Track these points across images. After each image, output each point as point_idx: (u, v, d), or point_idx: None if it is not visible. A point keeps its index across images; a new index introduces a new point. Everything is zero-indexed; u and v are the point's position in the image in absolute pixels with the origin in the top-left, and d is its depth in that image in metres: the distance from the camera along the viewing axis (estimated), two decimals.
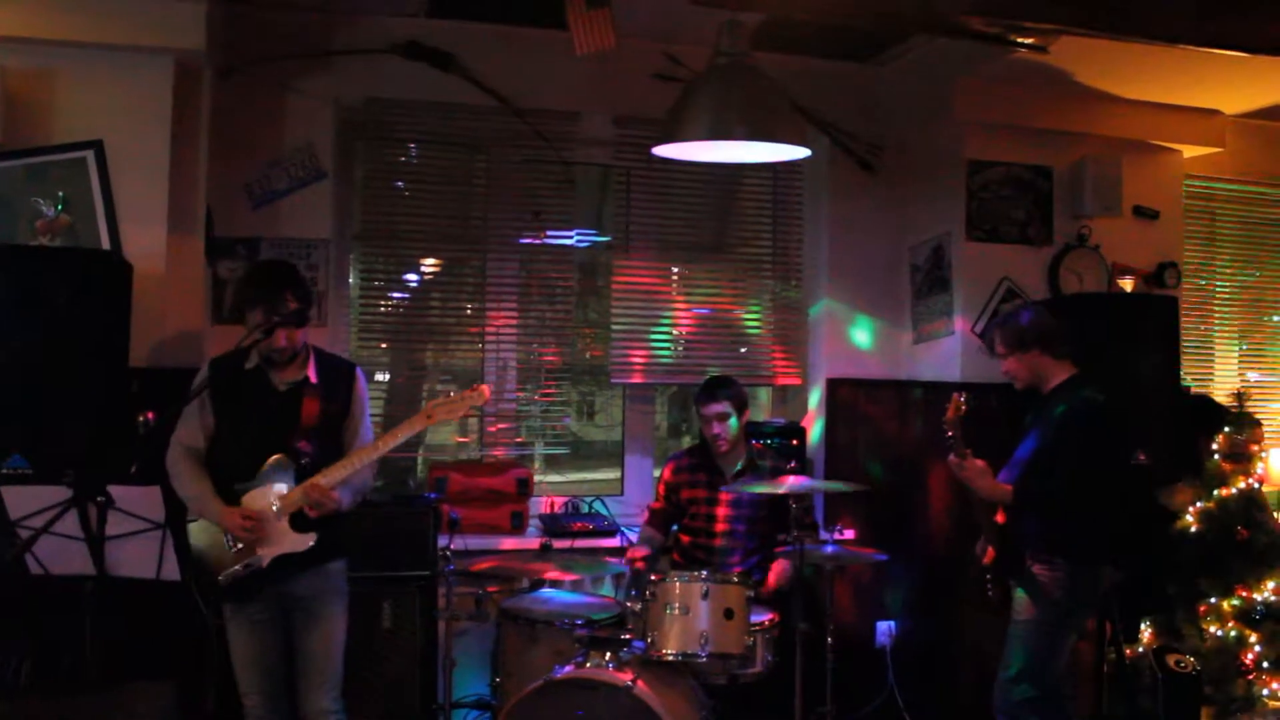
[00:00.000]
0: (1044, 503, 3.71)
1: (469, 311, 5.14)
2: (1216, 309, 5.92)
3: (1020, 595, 3.81)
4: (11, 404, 3.49)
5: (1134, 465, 4.20)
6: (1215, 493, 4.82)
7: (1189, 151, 5.35)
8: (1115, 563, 3.83)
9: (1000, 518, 3.86)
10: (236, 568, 3.41)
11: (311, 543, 3.45)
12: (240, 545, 3.43)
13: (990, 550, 3.89)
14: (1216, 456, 4.91)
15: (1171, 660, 4.49)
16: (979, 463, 3.78)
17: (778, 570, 4.24)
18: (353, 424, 3.65)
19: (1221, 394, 5.63)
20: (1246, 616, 4.66)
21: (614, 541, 4.82)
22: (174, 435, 3.53)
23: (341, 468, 3.44)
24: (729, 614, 3.55)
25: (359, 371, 3.71)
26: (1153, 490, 4.79)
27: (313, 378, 3.57)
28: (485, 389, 3.61)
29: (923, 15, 4.10)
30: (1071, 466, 3.66)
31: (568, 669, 3.45)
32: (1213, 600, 4.71)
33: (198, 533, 3.46)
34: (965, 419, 3.74)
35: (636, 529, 4.87)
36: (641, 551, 4.37)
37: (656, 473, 5.03)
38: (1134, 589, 4.51)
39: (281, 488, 3.45)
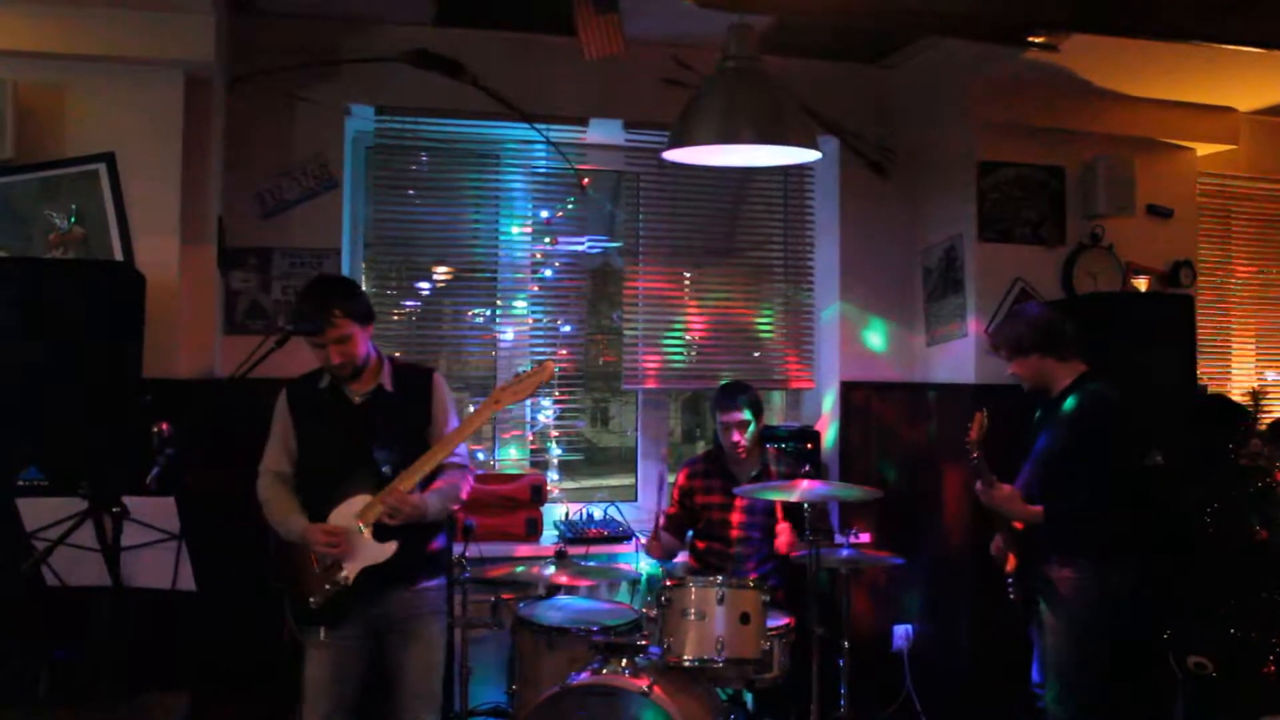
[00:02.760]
0: (1072, 520, 3.66)
1: (481, 319, 5.14)
2: (1233, 308, 5.88)
3: (1045, 608, 3.75)
4: (26, 416, 3.51)
5: (1150, 465, 4.16)
6: (1233, 493, 4.78)
7: (1203, 149, 5.33)
8: (1138, 561, 3.76)
9: (1018, 523, 3.82)
10: (327, 586, 3.39)
11: (392, 552, 3.40)
12: (327, 564, 3.40)
13: (1011, 558, 3.84)
14: (1234, 456, 4.87)
15: (1191, 662, 4.45)
16: (1006, 488, 3.74)
17: (786, 537, 4.23)
18: (436, 430, 3.59)
19: (1238, 393, 5.60)
20: (1266, 617, 4.62)
21: (629, 547, 4.81)
22: (262, 463, 3.56)
23: (416, 470, 3.39)
24: (745, 619, 3.54)
25: (437, 376, 3.67)
26: (1169, 491, 4.75)
27: (388, 386, 3.56)
28: (550, 364, 3.59)
29: (931, 15, 4.08)
30: (1087, 466, 3.62)
31: (584, 675, 3.44)
32: (1232, 601, 4.67)
33: (297, 554, 3.46)
34: (988, 433, 3.70)
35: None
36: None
37: (671, 478, 5.02)
38: (1152, 590, 4.48)
39: (363, 500, 3.41)
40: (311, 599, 3.41)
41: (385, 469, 3.46)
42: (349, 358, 3.45)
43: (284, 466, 3.56)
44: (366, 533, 3.40)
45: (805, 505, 3.84)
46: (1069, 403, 3.75)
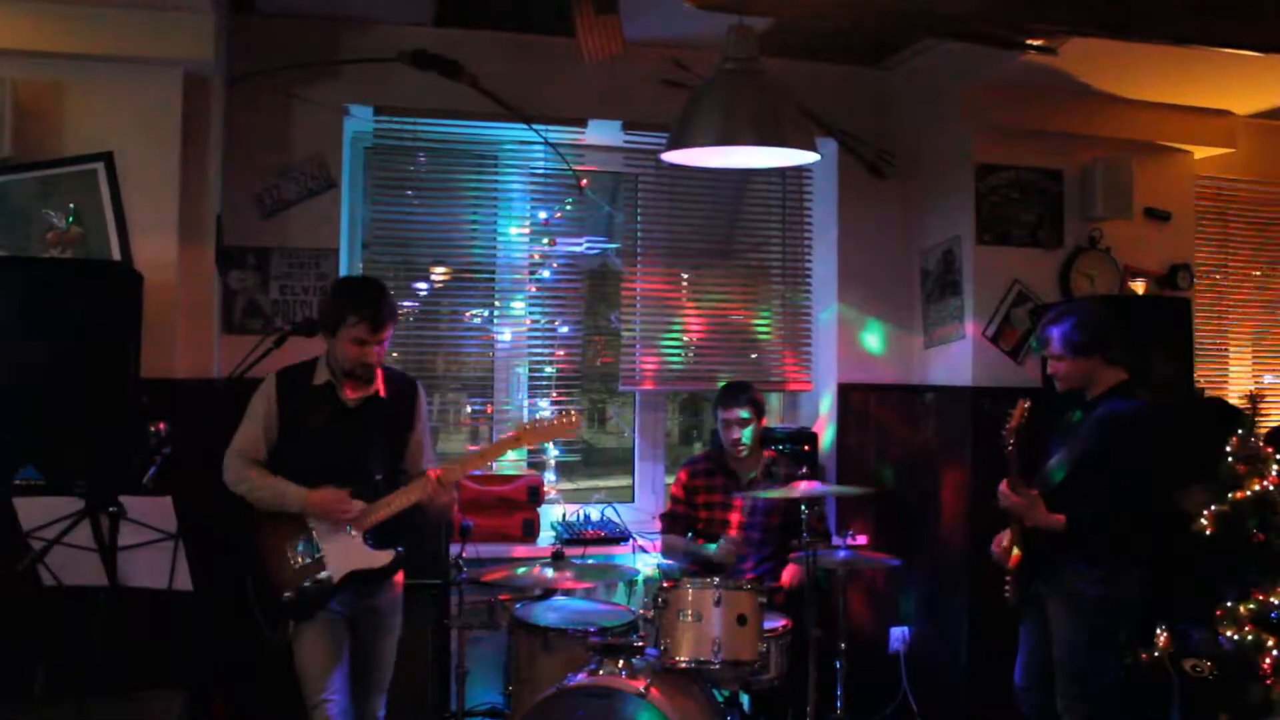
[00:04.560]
0: (1096, 526, 3.62)
1: (479, 320, 5.14)
2: (1230, 311, 5.89)
3: (1054, 613, 3.72)
4: (24, 415, 3.50)
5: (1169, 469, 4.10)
6: (1229, 496, 4.78)
7: (1200, 152, 5.33)
8: (1148, 565, 3.72)
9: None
10: (305, 583, 3.40)
11: (389, 559, 3.46)
12: (307, 560, 3.41)
13: (1016, 553, 3.80)
14: (1230, 459, 4.87)
15: (1188, 665, 4.45)
16: (1033, 493, 3.68)
17: (791, 570, 4.26)
18: (416, 441, 3.63)
19: (1235, 396, 5.60)
20: (1263, 620, 4.61)
21: (626, 549, 4.82)
22: (232, 446, 3.49)
23: (465, 464, 3.61)
24: (742, 620, 3.54)
25: (420, 386, 3.71)
26: (1167, 494, 4.76)
27: (382, 392, 3.57)
28: (578, 418, 3.72)
29: (929, 18, 4.09)
30: (1116, 474, 3.58)
31: (581, 677, 3.44)
32: (1229, 604, 4.68)
33: (260, 548, 3.45)
34: (1025, 428, 3.64)
35: (649, 535, 4.86)
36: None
37: (669, 479, 5.03)
38: (1149, 593, 4.48)
39: (356, 505, 3.44)
40: (286, 594, 3.41)
41: (378, 476, 3.48)
42: (378, 361, 3.52)
43: (261, 453, 3.50)
44: (358, 538, 3.42)
45: (803, 507, 3.84)
46: (1105, 409, 3.69)
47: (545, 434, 3.71)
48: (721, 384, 4.69)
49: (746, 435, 4.42)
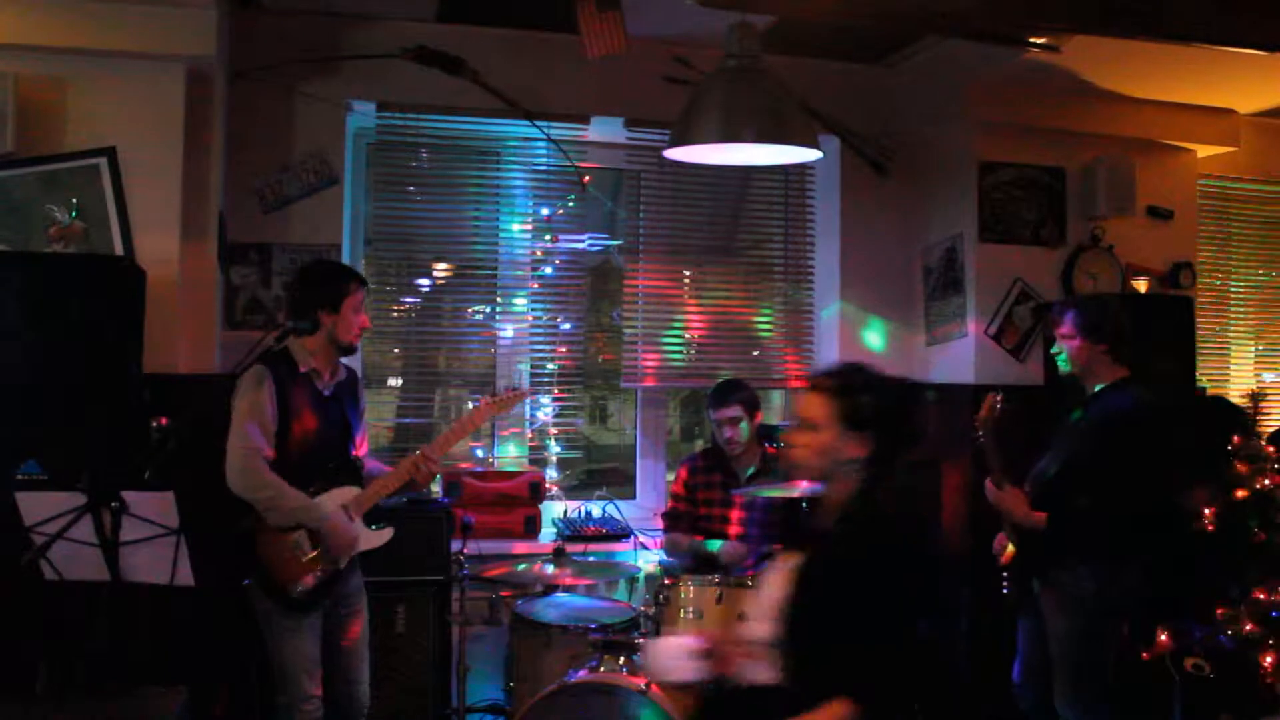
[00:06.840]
0: (1083, 522, 3.62)
1: (481, 316, 5.14)
2: (1232, 309, 5.88)
3: (1048, 611, 3.73)
4: (26, 410, 3.51)
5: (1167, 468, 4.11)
6: (1231, 495, 4.78)
7: (1203, 151, 5.33)
8: (1146, 563, 3.73)
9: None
10: (318, 573, 3.44)
11: (389, 537, 3.61)
12: (314, 553, 3.45)
13: (1010, 550, 3.82)
14: (1232, 458, 4.87)
15: (1189, 664, 4.45)
16: (1014, 491, 3.71)
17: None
18: (362, 426, 3.74)
19: (1237, 395, 5.60)
20: (1264, 619, 4.62)
21: (627, 545, 4.82)
22: (246, 444, 3.41)
23: (444, 442, 3.72)
24: (743, 618, 3.54)
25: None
26: (1165, 491, 4.75)
27: (345, 380, 3.70)
28: (526, 390, 4.00)
29: (932, 16, 4.08)
30: (1110, 469, 3.59)
31: (582, 673, 3.45)
32: (1229, 603, 4.68)
33: (263, 545, 3.47)
34: (999, 420, 3.68)
35: (650, 532, 4.86)
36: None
37: (670, 476, 5.02)
38: (1151, 591, 4.48)
39: (350, 491, 3.55)
40: (299, 588, 3.43)
41: (356, 461, 3.64)
42: None
43: (271, 451, 3.47)
44: (358, 521, 3.53)
45: (803, 505, 3.84)
46: (1101, 407, 3.71)
47: (504, 405, 3.89)
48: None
49: (739, 434, 4.41)
